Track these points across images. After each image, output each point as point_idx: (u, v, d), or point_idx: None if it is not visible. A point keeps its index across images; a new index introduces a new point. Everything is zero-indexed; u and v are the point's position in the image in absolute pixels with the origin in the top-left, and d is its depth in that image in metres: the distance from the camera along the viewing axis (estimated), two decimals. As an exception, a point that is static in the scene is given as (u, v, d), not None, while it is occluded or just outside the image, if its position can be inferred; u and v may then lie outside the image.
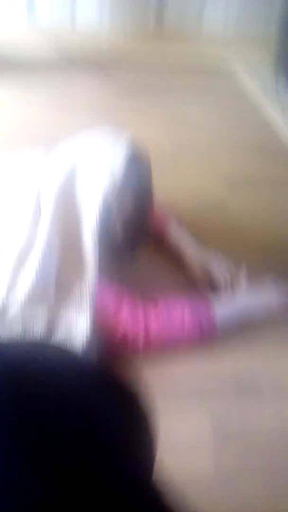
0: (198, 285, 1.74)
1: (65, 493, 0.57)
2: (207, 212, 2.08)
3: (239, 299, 1.67)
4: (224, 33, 3.53)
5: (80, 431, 0.62)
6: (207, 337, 1.55)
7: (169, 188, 2.11)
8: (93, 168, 1.48)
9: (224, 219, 2.06)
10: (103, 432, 0.65)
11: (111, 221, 1.48)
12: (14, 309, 1.40)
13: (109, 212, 1.47)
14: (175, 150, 2.46)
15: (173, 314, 1.51)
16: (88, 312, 1.43)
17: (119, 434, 0.67)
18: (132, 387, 0.77)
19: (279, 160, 2.50)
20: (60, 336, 1.42)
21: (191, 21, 3.48)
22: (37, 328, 1.42)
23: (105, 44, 3.43)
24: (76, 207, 1.47)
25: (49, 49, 3.25)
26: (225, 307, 1.62)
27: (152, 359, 1.50)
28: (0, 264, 1.42)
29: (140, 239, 1.62)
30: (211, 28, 3.51)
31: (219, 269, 1.75)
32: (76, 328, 1.43)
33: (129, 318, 1.47)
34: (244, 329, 1.61)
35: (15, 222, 1.48)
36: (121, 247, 1.58)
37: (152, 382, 1.41)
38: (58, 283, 1.45)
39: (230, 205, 2.14)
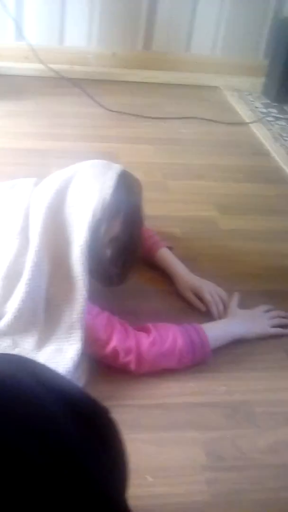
0: (193, 308, 1.76)
1: None
2: (199, 239, 2.09)
3: (231, 326, 1.68)
4: (212, 58, 3.55)
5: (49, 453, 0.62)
6: (199, 362, 1.56)
7: (161, 216, 2.12)
8: (82, 189, 1.47)
9: (216, 246, 2.07)
10: (75, 455, 0.65)
11: (99, 242, 1.46)
12: (3, 331, 1.41)
13: (97, 233, 1.45)
14: (166, 177, 2.47)
15: (166, 340, 1.51)
16: (78, 343, 1.44)
17: (90, 458, 0.67)
18: (101, 410, 0.77)
19: (270, 186, 2.52)
20: (48, 359, 1.43)
21: (180, 45, 3.50)
22: (26, 351, 1.43)
23: (94, 64, 3.44)
24: (65, 228, 1.45)
25: (37, 67, 3.25)
26: (218, 334, 1.62)
27: (145, 391, 1.49)
28: None
29: (131, 267, 1.61)
30: (200, 52, 3.53)
31: (211, 295, 1.76)
32: (65, 354, 1.43)
33: (121, 346, 1.47)
34: (237, 356, 1.62)
35: (2, 243, 1.48)
36: (110, 272, 1.57)
37: (146, 413, 1.43)
38: (48, 307, 1.46)
39: (221, 232, 2.16)
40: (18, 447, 0.60)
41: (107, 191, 1.44)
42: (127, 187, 1.51)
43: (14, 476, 0.58)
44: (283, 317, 1.75)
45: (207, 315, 1.73)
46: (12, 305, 1.42)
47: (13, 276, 1.44)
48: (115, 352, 1.47)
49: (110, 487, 0.69)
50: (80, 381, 1.43)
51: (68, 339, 1.45)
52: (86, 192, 1.45)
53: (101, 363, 1.50)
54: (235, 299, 1.77)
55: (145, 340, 1.49)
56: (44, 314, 1.45)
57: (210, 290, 1.78)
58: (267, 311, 1.75)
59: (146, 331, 1.53)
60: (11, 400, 0.65)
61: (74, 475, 0.63)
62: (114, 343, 1.46)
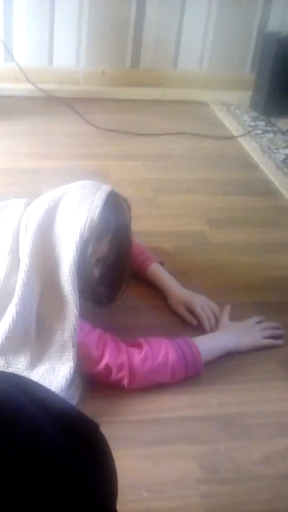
0: (185, 322, 1.77)
1: None
2: (190, 253, 2.10)
3: (223, 339, 1.69)
4: (200, 73, 3.58)
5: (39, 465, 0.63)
6: (192, 376, 1.57)
7: (152, 231, 2.14)
8: (71, 209, 1.47)
9: (207, 260, 2.08)
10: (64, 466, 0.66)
11: (86, 262, 1.47)
12: None
13: (84, 254, 1.46)
14: (157, 192, 2.48)
15: (158, 355, 1.52)
16: (70, 362, 1.45)
17: (79, 470, 0.68)
18: (91, 426, 0.78)
19: (259, 199, 2.54)
20: (41, 378, 1.44)
21: (167, 61, 3.53)
22: (19, 370, 1.44)
23: (83, 82, 3.47)
24: (54, 248, 1.46)
25: (27, 88, 3.28)
26: (210, 347, 1.63)
27: (139, 406, 1.50)
28: None
29: (120, 287, 1.63)
30: (187, 68, 3.56)
31: (203, 309, 1.77)
32: (58, 373, 1.45)
33: (113, 362, 1.48)
34: (229, 368, 1.63)
35: None
36: (99, 292, 1.58)
37: (140, 428, 1.44)
38: (40, 326, 1.47)
39: (212, 245, 2.17)
40: (6, 458, 0.61)
41: (95, 211, 1.45)
42: (115, 207, 1.52)
43: (2, 486, 0.59)
44: (275, 328, 1.76)
45: (199, 329, 1.74)
46: (3, 326, 1.43)
47: (3, 296, 1.45)
48: (107, 369, 1.48)
49: (100, 497, 0.70)
50: (73, 399, 1.45)
51: (60, 357, 1.46)
52: (74, 212, 1.46)
53: (93, 379, 1.51)
54: (226, 311, 1.78)
55: (137, 356, 1.50)
56: (36, 333, 1.47)
57: (202, 304, 1.79)
58: (259, 322, 1.76)
59: (138, 346, 1.54)
60: (0, 414, 0.66)
61: (63, 486, 0.64)
62: (106, 360, 1.47)
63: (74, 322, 1.44)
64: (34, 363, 1.47)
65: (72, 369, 1.44)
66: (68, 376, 1.44)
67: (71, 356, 1.45)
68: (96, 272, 1.52)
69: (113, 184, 2.43)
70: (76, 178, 2.44)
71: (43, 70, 3.37)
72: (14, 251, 1.49)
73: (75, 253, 1.43)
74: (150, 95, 3.49)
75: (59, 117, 3.13)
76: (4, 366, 1.46)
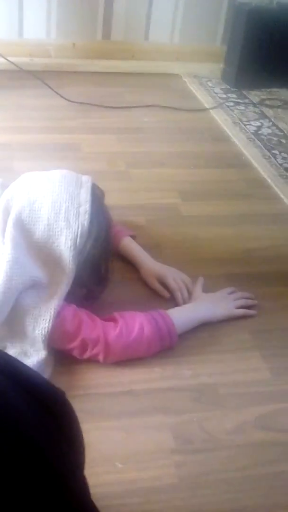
0: (158, 295, 1.78)
1: None
2: (162, 226, 2.11)
3: (197, 310, 1.70)
4: (171, 45, 3.56)
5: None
6: (166, 348, 1.58)
7: (124, 205, 2.14)
8: (57, 215, 1.49)
9: (179, 233, 2.09)
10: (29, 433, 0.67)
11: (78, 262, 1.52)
12: None
13: (76, 256, 1.50)
14: (129, 165, 2.48)
15: (132, 329, 1.52)
16: (42, 351, 1.46)
17: (47, 441, 0.69)
18: (58, 393, 0.79)
19: (231, 171, 2.55)
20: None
21: (138, 33, 3.50)
22: None
23: (54, 55, 3.43)
24: (41, 251, 1.49)
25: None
26: (184, 319, 1.64)
27: (111, 378, 1.51)
28: None
29: (107, 279, 1.65)
30: (158, 40, 3.54)
31: (175, 282, 1.78)
32: (29, 356, 1.46)
33: (88, 337, 1.48)
34: (201, 339, 1.64)
35: None
36: (88, 287, 1.62)
37: (113, 401, 1.45)
38: (13, 314, 1.46)
39: (184, 218, 2.18)
40: None
41: (84, 217, 1.49)
42: (98, 206, 1.55)
43: None
44: (247, 298, 1.78)
45: (172, 301, 1.75)
46: None
47: None
48: (83, 344, 1.48)
49: (65, 465, 0.70)
50: (44, 374, 1.44)
51: (32, 346, 1.46)
52: (63, 217, 1.48)
53: (66, 354, 1.51)
54: (199, 283, 1.79)
55: (112, 331, 1.50)
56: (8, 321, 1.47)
57: (174, 276, 1.79)
58: (231, 293, 1.78)
59: (113, 321, 1.54)
60: None
61: (32, 459, 0.64)
62: (82, 335, 1.47)
63: (48, 320, 1.45)
64: (4, 345, 1.47)
65: (43, 356, 1.45)
66: (39, 359, 1.45)
67: (42, 347, 1.46)
68: (85, 272, 1.54)
69: (85, 158, 2.46)
70: (48, 151, 2.45)
71: (13, 42, 3.33)
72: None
73: (71, 264, 1.49)
74: (122, 68, 3.47)
75: (30, 91, 3.09)
76: None
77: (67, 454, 0.72)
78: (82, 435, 0.78)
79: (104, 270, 1.62)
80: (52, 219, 1.48)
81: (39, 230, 1.48)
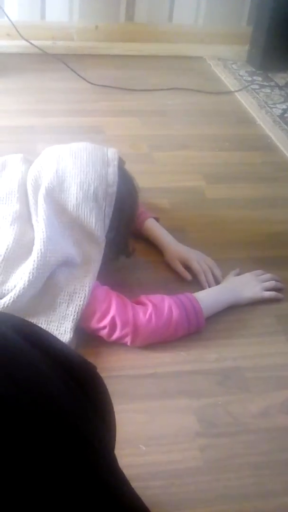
0: (181, 277, 1.76)
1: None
2: (187, 209, 2.09)
3: (224, 293, 1.69)
4: (196, 27, 3.52)
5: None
6: (193, 332, 1.56)
7: (148, 188, 2.11)
8: (85, 194, 1.51)
9: (204, 215, 2.07)
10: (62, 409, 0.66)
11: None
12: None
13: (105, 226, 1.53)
14: (152, 148, 2.46)
15: (162, 314, 1.51)
16: (68, 334, 1.45)
17: (79, 414, 0.68)
18: (90, 367, 0.78)
19: (256, 154, 2.52)
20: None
21: (162, 15, 3.47)
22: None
23: (76, 38, 3.41)
24: (74, 225, 1.51)
25: (20, 44, 3.22)
26: (211, 302, 1.63)
27: (136, 361, 1.50)
28: None
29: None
30: (182, 22, 3.49)
31: (199, 264, 1.76)
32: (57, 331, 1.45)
33: (119, 317, 1.47)
34: (227, 323, 1.62)
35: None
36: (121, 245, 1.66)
37: (137, 383, 1.44)
38: (45, 291, 1.46)
39: (209, 201, 2.16)
40: (3, 403, 0.60)
41: (112, 198, 1.53)
42: (125, 183, 1.59)
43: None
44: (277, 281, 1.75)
45: (195, 284, 1.73)
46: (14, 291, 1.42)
47: (17, 255, 1.45)
48: (113, 323, 1.47)
49: (99, 443, 0.70)
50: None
51: (58, 328, 1.45)
52: (91, 200, 1.51)
53: (92, 337, 1.50)
54: (233, 271, 1.77)
55: (142, 315, 1.49)
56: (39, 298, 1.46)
57: (198, 259, 1.78)
58: (260, 275, 1.75)
59: (142, 304, 1.53)
60: None
61: (62, 432, 0.63)
62: (113, 313, 1.47)
63: (83, 298, 1.45)
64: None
65: (68, 339, 1.44)
66: (65, 340, 1.44)
67: (70, 327, 1.45)
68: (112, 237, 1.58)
69: (108, 140, 2.44)
70: (71, 135, 2.44)
71: (35, 25, 3.31)
72: (23, 214, 1.52)
73: (101, 244, 1.53)
74: (145, 51, 3.43)
75: (52, 74, 3.08)
76: None
77: (100, 430, 0.71)
78: (113, 410, 0.77)
79: (124, 245, 1.66)
80: (81, 199, 1.50)
81: (69, 210, 1.50)
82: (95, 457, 0.67)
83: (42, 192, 1.50)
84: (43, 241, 1.43)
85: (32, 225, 1.50)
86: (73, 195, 1.50)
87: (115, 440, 0.79)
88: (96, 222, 1.50)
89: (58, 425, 0.63)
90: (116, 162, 1.55)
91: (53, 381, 0.67)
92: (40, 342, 0.71)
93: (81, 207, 1.50)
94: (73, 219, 1.50)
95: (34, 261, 1.41)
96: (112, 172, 1.53)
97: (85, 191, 1.50)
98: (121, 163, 1.59)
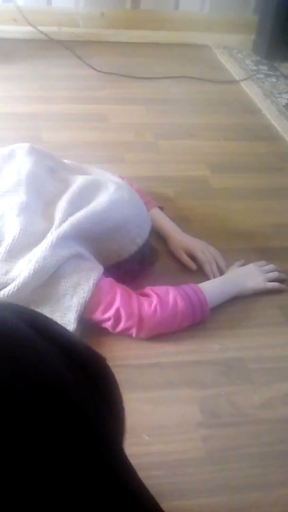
0: (186, 267, 1.76)
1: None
2: (191, 199, 2.08)
3: (228, 284, 1.68)
4: (201, 15, 3.50)
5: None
6: (197, 323, 1.56)
7: (152, 176, 2.11)
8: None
9: (208, 205, 2.06)
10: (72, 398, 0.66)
11: None
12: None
13: None
14: (157, 136, 2.45)
15: (167, 306, 1.50)
16: (72, 324, 1.45)
17: (86, 402, 0.68)
18: (98, 358, 0.78)
19: (261, 144, 2.51)
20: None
21: (168, 2, 3.45)
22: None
23: (82, 25, 3.39)
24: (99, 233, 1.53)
25: (25, 30, 3.21)
26: (215, 293, 1.63)
27: (139, 351, 1.50)
28: None
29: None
30: (188, 9, 3.47)
31: (203, 254, 1.76)
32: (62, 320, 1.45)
33: (124, 309, 1.47)
34: (231, 314, 1.62)
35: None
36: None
37: (141, 373, 1.44)
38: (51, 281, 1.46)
39: (213, 191, 2.15)
40: (10, 391, 0.60)
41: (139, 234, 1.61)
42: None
43: (4, 413, 0.58)
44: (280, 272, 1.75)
45: (199, 274, 1.73)
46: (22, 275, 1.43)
47: (25, 245, 1.45)
48: (117, 315, 1.47)
49: (108, 433, 0.69)
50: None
51: (62, 318, 1.45)
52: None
53: (96, 327, 1.50)
54: (237, 263, 1.77)
55: (147, 307, 1.48)
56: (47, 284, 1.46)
57: (202, 249, 1.77)
58: (263, 266, 1.75)
59: (147, 296, 1.53)
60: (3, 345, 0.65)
61: (70, 421, 0.63)
62: (117, 304, 1.46)
63: (87, 290, 1.44)
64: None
65: (71, 330, 1.44)
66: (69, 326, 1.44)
67: (73, 318, 1.44)
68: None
69: (113, 128, 2.43)
70: (76, 122, 2.43)
71: (41, 11, 3.29)
72: (31, 205, 1.52)
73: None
74: (151, 38, 3.42)
75: (58, 60, 3.07)
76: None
77: (108, 422, 0.71)
78: (122, 403, 0.77)
79: (149, 253, 1.67)
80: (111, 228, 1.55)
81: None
82: (103, 447, 0.67)
83: (81, 214, 1.50)
84: (57, 235, 1.44)
85: (42, 216, 1.50)
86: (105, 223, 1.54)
87: (124, 432, 0.79)
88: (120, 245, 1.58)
89: (67, 417, 0.63)
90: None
91: (60, 368, 0.67)
92: (50, 333, 0.71)
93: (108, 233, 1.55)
94: (101, 237, 1.55)
95: (42, 251, 1.41)
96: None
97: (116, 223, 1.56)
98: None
